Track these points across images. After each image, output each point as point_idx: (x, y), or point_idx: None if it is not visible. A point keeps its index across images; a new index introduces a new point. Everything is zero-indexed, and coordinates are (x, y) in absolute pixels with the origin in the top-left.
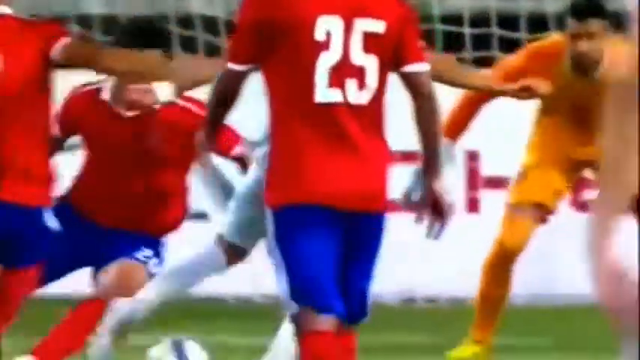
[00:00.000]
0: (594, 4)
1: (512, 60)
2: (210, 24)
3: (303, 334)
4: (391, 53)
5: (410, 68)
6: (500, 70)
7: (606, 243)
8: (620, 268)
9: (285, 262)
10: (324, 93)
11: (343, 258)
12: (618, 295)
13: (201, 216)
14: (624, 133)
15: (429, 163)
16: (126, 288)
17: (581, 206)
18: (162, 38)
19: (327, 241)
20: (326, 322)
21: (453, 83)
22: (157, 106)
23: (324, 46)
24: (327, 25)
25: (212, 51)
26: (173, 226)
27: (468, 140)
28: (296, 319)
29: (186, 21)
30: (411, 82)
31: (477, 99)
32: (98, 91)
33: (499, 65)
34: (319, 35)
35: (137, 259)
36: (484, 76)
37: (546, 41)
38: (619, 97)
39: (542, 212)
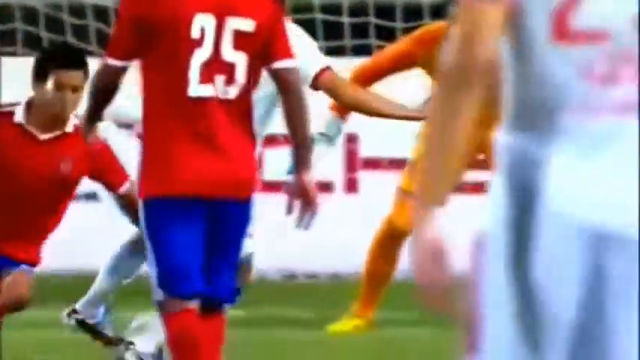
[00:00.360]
0: None
1: (399, 45)
2: (101, 12)
3: (168, 315)
4: (260, 51)
5: (278, 65)
6: (385, 56)
7: (427, 224)
8: (437, 252)
9: (154, 252)
10: (195, 88)
11: (210, 244)
12: (433, 278)
13: (91, 196)
14: (452, 117)
15: (299, 156)
16: (14, 291)
17: (458, 188)
18: (82, 58)
19: (193, 230)
20: (190, 304)
21: (379, 114)
22: (72, 130)
23: (198, 43)
24: (202, 23)
25: (102, 39)
26: (32, 263)
27: (347, 123)
28: (162, 304)
29: (78, 10)
30: (280, 78)
31: (368, 79)
32: (11, 114)
33: (385, 52)
34: (195, 33)
35: (22, 269)
36: (407, 108)
37: (431, 26)
38: (448, 79)
39: None
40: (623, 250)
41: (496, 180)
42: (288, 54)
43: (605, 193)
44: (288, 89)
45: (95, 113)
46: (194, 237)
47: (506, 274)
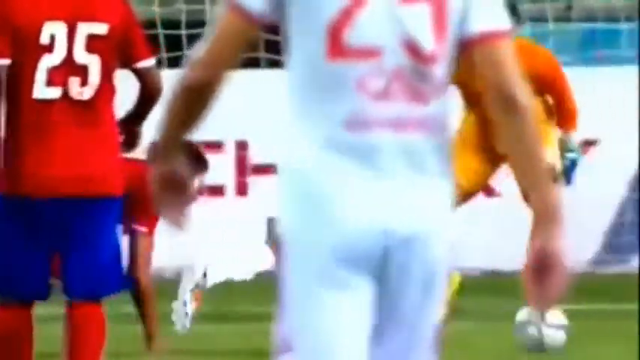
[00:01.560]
0: None
1: None
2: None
3: None
4: (115, 52)
5: (140, 65)
6: None
7: (163, 165)
8: (170, 178)
9: None
10: (42, 91)
11: (63, 241)
12: (167, 196)
13: None
14: (188, 107)
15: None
16: None
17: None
18: None
19: (30, 229)
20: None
21: None
22: None
23: (48, 48)
24: (52, 30)
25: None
26: None
27: (238, 131)
28: None
29: None
30: (142, 77)
31: None
32: None
33: None
34: (44, 39)
35: None
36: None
37: None
38: (190, 78)
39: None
40: (405, 245)
41: (283, 187)
42: (147, 54)
43: (385, 199)
44: (151, 86)
45: None
46: (29, 235)
47: (310, 266)
